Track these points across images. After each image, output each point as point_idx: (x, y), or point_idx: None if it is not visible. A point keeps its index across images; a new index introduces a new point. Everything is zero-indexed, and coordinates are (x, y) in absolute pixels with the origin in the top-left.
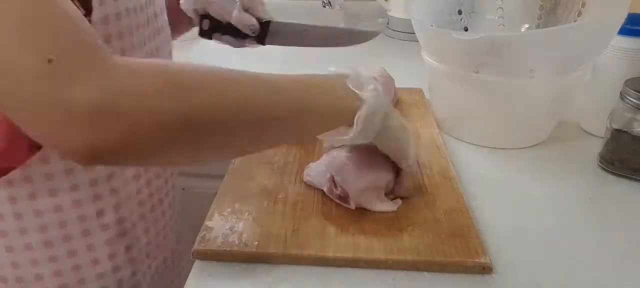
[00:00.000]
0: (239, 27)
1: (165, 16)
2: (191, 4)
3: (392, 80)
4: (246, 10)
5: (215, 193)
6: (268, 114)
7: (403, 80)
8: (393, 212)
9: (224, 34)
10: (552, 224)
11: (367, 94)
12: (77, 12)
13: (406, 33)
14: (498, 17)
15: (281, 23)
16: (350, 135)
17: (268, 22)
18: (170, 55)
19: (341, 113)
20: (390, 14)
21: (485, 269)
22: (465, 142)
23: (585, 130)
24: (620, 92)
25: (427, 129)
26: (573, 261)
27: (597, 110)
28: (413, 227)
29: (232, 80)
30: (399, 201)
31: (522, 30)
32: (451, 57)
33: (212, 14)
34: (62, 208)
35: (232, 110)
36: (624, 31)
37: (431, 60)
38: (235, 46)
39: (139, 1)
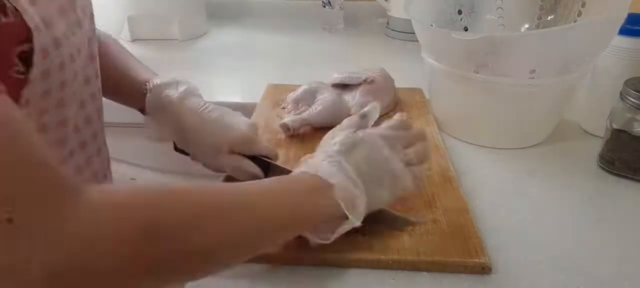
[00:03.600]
0: (238, 177)
1: (95, 41)
2: (161, 136)
3: (392, 80)
4: (238, 153)
5: None
6: (244, 243)
7: (403, 80)
8: (393, 212)
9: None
10: (552, 224)
11: (357, 214)
12: (42, 148)
13: (406, 33)
14: (498, 17)
15: (281, 167)
16: (346, 226)
17: (268, 165)
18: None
19: (325, 220)
20: (390, 14)
21: (485, 269)
22: (465, 142)
23: (585, 130)
24: (620, 92)
25: (426, 129)
26: (573, 261)
27: (597, 110)
28: (413, 227)
29: (206, 217)
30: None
31: (522, 30)
32: (451, 57)
33: (194, 158)
34: None
35: (207, 251)
36: (624, 31)
37: (431, 60)
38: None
39: (82, 38)
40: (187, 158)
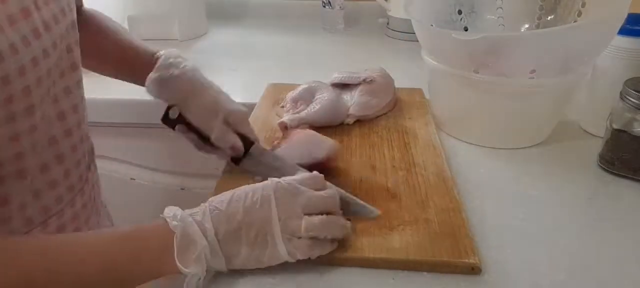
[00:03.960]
0: (219, 145)
1: (77, 50)
2: (158, 92)
3: (392, 80)
4: (228, 125)
5: None
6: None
7: (403, 80)
8: (385, 210)
9: (191, 130)
10: (552, 224)
11: (193, 266)
12: None
13: (406, 33)
14: (498, 17)
15: (261, 148)
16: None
17: (250, 143)
18: (81, 88)
19: (165, 273)
20: (390, 14)
21: (474, 269)
22: (465, 142)
23: (585, 130)
24: (620, 92)
25: (424, 129)
26: (573, 261)
27: (597, 110)
28: (404, 226)
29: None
30: None
31: (522, 30)
32: (451, 57)
33: (189, 120)
34: None
35: None
36: (624, 31)
37: (431, 60)
38: (198, 149)
39: (40, 48)
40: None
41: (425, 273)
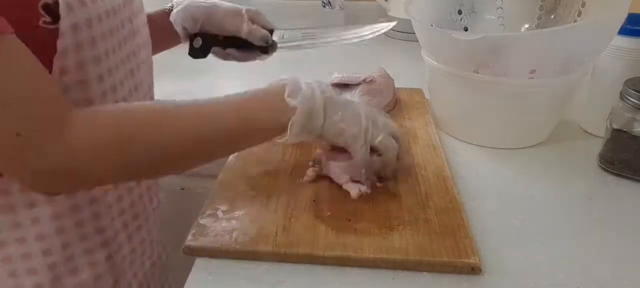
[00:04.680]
0: (251, 40)
1: (143, 16)
2: (182, 19)
3: (392, 80)
4: (252, 22)
5: None
6: (211, 142)
7: (403, 80)
8: (385, 211)
9: (226, 48)
10: (552, 224)
11: (299, 100)
12: (44, 77)
13: (406, 33)
14: (498, 17)
15: (282, 31)
16: (286, 138)
17: (271, 31)
18: (149, 57)
19: (278, 124)
20: (390, 13)
21: (475, 269)
22: (465, 142)
23: (585, 130)
24: (620, 92)
25: (424, 129)
26: (573, 261)
27: (597, 110)
28: (404, 226)
29: (177, 117)
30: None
31: (522, 30)
32: (451, 57)
33: (214, 30)
34: (39, 220)
35: (178, 150)
36: (624, 31)
37: (431, 60)
38: (242, 60)
39: (112, 4)
40: None
41: (425, 273)
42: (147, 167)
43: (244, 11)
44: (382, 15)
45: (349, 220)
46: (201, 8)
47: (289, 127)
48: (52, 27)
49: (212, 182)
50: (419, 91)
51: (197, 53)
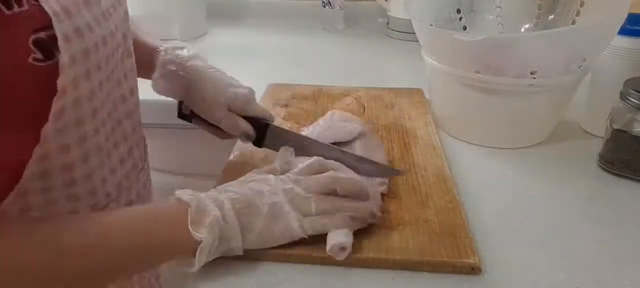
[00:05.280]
0: (232, 133)
1: (130, 38)
2: (163, 91)
3: (377, 138)
4: (237, 112)
5: None
6: (98, 276)
7: (403, 80)
8: (385, 210)
9: (207, 123)
10: (552, 224)
11: (205, 231)
12: None
13: (406, 33)
14: (496, 16)
15: (281, 128)
16: (195, 267)
17: (266, 125)
18: (136, 77)
19: (182, 256)
20: (390, 14)
21: (474, 270)
22: (466, 141)
23: (585, 130)
24: (620, 92)
25: (424, 129)
26: (573, 261)
27: (597, 110)
28: (404, 226)
29: (64, 261)
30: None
31: (521, 30)
32: (451, 57)
33: (196, 112)
34: None
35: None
36: (624, 31)
37: (431, 60)
38: (222, 138)
39: (109, 29)
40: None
41: (425, 273)
42: None
43: (223, 103)
44: (382, 15)
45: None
46: (179, 88)
47: (196, 259)
48: (43, 64)
49: (212, 182)
50: (419, 91)
51: (185, 118)
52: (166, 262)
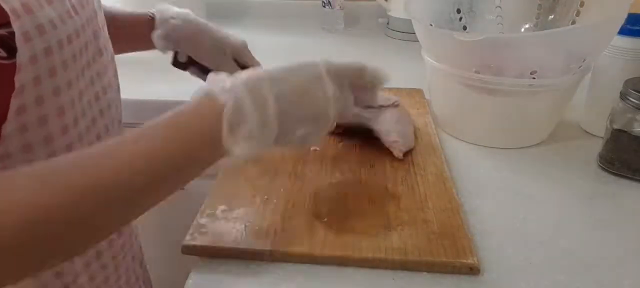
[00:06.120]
0: None
1: (105, 30)
2: (166, 45)
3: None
4: (236, 60)
5: None
6: (146, 190)
7: (403, 80)
8: (384, 211)
9: (201, 70)
10: (552, 224)
11: (227, 88)
12: None
13: (406, 33)
14: (496, 16)
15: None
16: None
17: None
18: (115, 75)
19: (219, 153)
20: (390, 14)
21: (473, 270)
22: (466, 141)
23: (585, 130)
24: (621, 92)
25: (424, 129)
26: (573, 261)
27: (597, 110)
28: (403, 226)
29: (86, 199)
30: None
31: (521, 30)
32: (451, 57)
33: (198, 60)
34: None
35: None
36: (624, 31)
37: (431, 60)
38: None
39: (74, 26)
40: None
41: (424, 273)
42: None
43: (228, 53)
44: (382, 15)
45: (348, 220)
46: (187, 36)
47: (223, 135)
48: (7, 62)
49: (212, 181)
50: (419, 91)
51: (180, 65)
52: (206, 167)
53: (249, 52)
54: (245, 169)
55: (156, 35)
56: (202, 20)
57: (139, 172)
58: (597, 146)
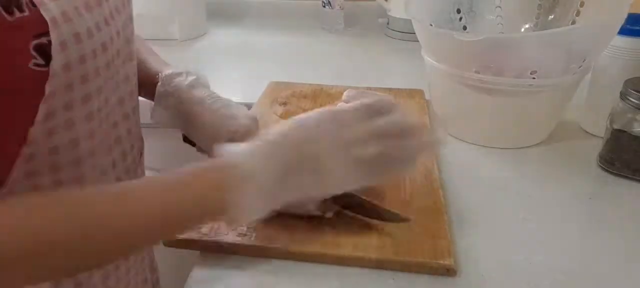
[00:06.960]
0: None
1: (134, 37)
2: (167, 123)
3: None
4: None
5: None
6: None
7: (403, 81)
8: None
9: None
10: (552, 224)
11: (240, 147)
12: None
13: (406, 33)
14: (496, 16)
15: None
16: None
17: None
18: (136, 78)
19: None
20: (390, 14)
21: (450, 271)
22: (465, 141)
23: (585, 130)
24: (621, 92)
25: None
26: (573, 261)
27: (597, 110)
28: (383, 225)
29: (87, 235)
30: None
31: (521, 30)
32: (451, 57)
33: (197, 144)
34: None
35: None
36: (624, 31)
37: (431, 60)
38: None
39: (110, 34)
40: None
41: (424, 274)
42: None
43: (224, 138)
44: (382, 15)
45: (329, 217)
46: (177, 119)
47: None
48: (44, 69)
49: None
50: (419, 91)
51: (191, 142)
52: (203, 223)
53: (256, 133)
54: None
55: (152, 108)
56: (208, 97)
57: (155, 228)
58: (597, 146)
